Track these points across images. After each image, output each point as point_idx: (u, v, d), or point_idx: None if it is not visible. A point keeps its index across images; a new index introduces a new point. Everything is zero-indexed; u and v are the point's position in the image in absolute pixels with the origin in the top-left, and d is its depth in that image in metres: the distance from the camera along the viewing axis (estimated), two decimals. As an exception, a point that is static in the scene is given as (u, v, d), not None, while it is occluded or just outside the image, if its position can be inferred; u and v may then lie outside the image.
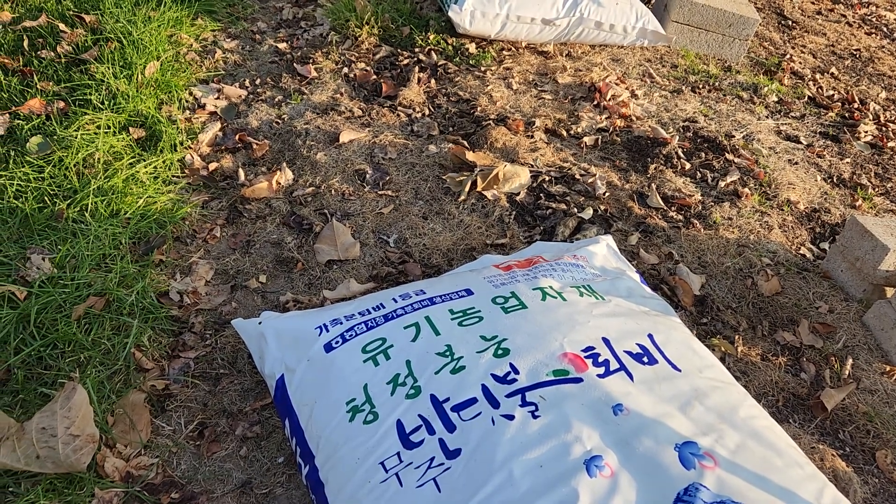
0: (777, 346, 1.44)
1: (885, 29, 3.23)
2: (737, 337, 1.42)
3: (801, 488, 0.94)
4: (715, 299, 1.53)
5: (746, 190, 1.86)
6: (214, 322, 1.39)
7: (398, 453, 0.97)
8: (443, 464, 0.94)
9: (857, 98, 2.48)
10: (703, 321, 1.47)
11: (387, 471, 0.96)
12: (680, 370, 1.10)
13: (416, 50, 2.29)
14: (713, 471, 0.92)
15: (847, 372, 1.37)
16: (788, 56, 2.72)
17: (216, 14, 2.39)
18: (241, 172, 1.74)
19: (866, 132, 2.26)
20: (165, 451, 1.16)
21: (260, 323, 1.23)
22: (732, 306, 1.52)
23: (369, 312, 1.18)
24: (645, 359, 1.10)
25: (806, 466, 0.99)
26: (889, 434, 1.30)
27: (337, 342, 1.14)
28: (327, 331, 1.16)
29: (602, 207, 1.73)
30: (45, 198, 1.55)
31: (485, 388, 1.02)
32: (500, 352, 1.07)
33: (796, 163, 2.05)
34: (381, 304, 1.20)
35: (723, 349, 1.40)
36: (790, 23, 3.09)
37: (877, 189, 2.00)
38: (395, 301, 1.20)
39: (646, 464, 0.92)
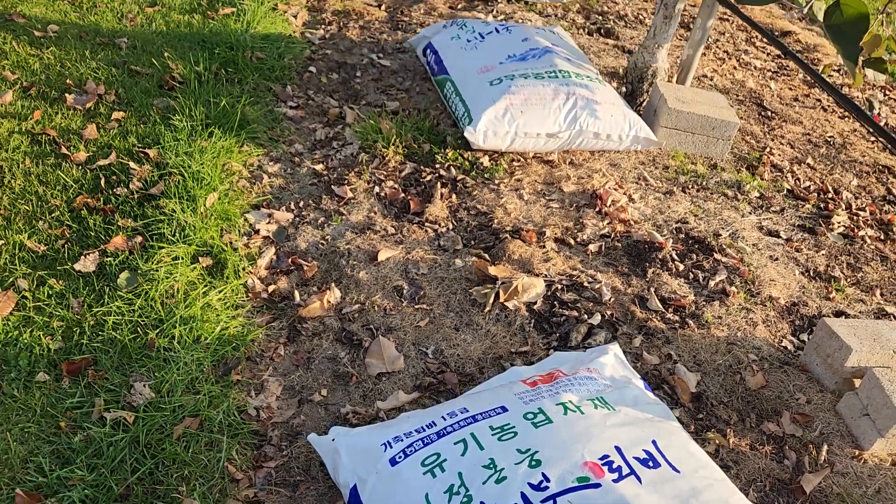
0: (763, 436, 1.70)
1: (864, 100, 3.55)
2: (728, 430, 1.68)
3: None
4: (709, 395, 1.79)
5: (733, 288, 2.14)
6: (288, 434, 1.66)
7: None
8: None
9: (830, 188, 2.78)
10: (700, 416, 1.73)
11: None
12: (679, 472, 1.35)
13: (437, 166, 2.61)
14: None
15: (823, 457, 1.63)
16: (768, 149, 3.02)
17: (258, 139, 2.72)
18: (297, 293, 2.03)
19: (839, 223, 2.54)
20: (262, 552, 1.42)
21: (333, 439, 1.49)
22: (724, 401, 1.79)
23: (424, 430, 1.45)
24: (650, 463, 1.36)
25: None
26: (860, 511, 1.55)
27: (400, 457, 1.40)
28: (391, 447, 1.43)
29: (608, 312, 2.01)
30: (138, 328, 1.84)
31: (523, 495, 1.28)
32: (533, 463, 1.33)
33: (777, 258, 2.33)
34: (433, 422, 1.47)
35: (717, 442, 1.65)
36: (770, 113, 3.42)
37: (848, 280, 2.28)
38: (444, 419, 1.47)
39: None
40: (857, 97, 3.71)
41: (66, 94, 2.74)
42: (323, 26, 3.80)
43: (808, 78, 3.85)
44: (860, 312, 2.14)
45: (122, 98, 2.82)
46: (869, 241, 2.50)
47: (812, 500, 1.56)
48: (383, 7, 4.13)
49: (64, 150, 2.44)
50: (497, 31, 3.15)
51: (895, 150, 1.94)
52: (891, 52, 2.52)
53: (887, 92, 3.58)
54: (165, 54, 3.09)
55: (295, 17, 3.84)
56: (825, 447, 1.65)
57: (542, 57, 2.91)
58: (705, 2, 2.95)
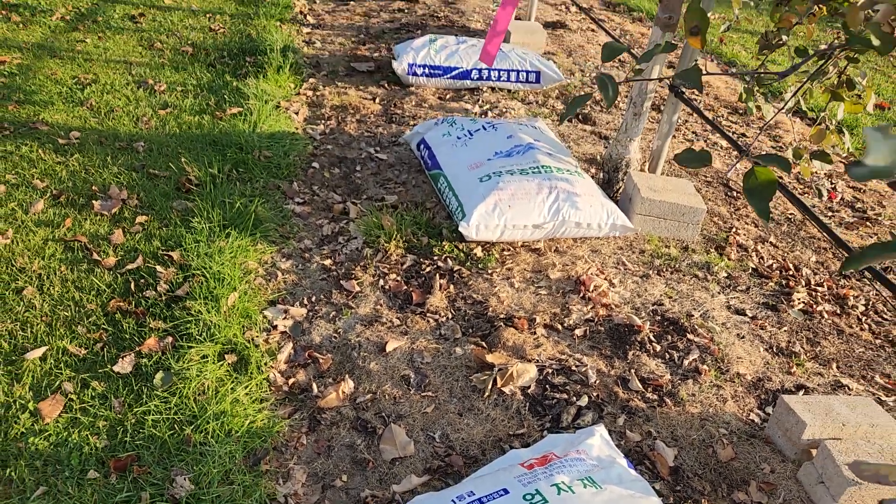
0: (734, 505, 1.93)
1: (814, 187, 3.87)
2: (703, 500, 1.91)
3: None
4: (685, 468, 2.02)
5: (705, 367, 2.39)
6: (314, 518, 1.87)
7: None
8: None
9: (791, 265, 3.06)
10: (678, 488, 1.96)
11: None
12: (658, 543, 1.58)
13: (435, 257, 2.87)
14: None
15: (786, 523, 1.85)
16: (734, 229, 3.32)
17: (270, 236, 2.98)
18: (314, 385, 2.25)
19: (799, 299, 2.82)
20: None
21: (357, 524, 1.71)
22: (699, 473, 2.01)
23: (437, 513, 1.67)
24: (634, 536, 1.58)
25: None
26: (821, 571, 1.76)
27: (417, 538, 1.62)
28: (409, 529, 1.64)
29: (594, 394, 2.24)
30: (175, 425, 2.06)
31: (526, 570, 1.49)
32: (533, 540, 1.55)
33: (743, 336, 2.59)
34: (445, 505, 1.69)
35: (693, 512, 1.88)
36: (735, 193, 3.73)
37: (808, 354, 2.53)
38: (454, 502, 1.69)
39: None
40: (820, 172, 4.03)
41: (93, 201, 3.00)
42: (323, 121, 4.12)
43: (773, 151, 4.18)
44: (818, 385, 2.40)
45: (143, 202, 3.08)
46: (826, 315, 2.77)
47: (778, 562, 1.77)
48: (377, 100, 4.46)
49: (95, 256, 2.69)
50: (484, 128, 3.47)
51: (832, 239, 2.22)
52: (833, 145, 2.84)
53: (833, 179, 3.91)
54: (182, 159, 3.37)
55: (297, 113, 4.15)
56: (788, 513, 1.88)
57: (525, 153, 3.22)
58: (669, 98, 3.29)
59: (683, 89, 3.19)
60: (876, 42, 1.40)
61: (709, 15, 2.42)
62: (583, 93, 4.79)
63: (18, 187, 3.05)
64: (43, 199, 2.98)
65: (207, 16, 5.72)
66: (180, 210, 3.05)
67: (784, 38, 2.73)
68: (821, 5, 2.65)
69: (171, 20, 5.47)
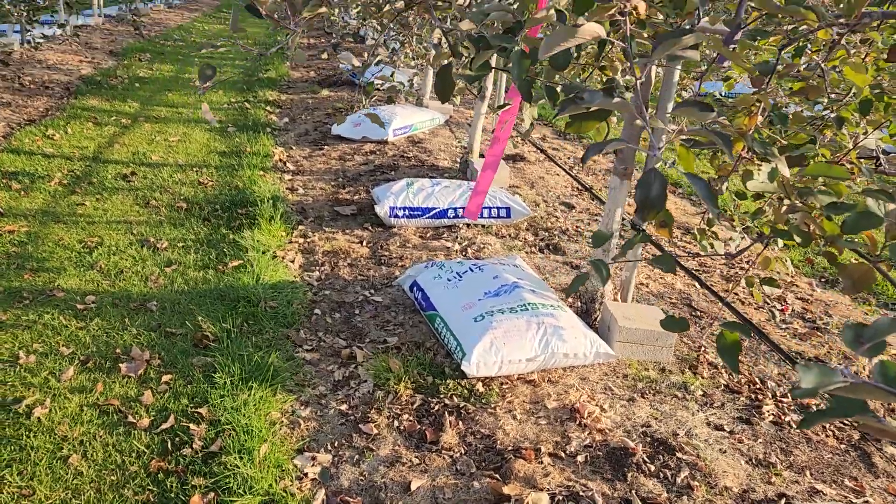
0: None
1: (766, 310, 4.32)
2: None
3: None
4: (693, 581, 2.27)
5: (696, 483, 2.68)
6: None
7: None
8: None
9: (757, 379, 3.43)
10: None
11: None
12: None
13: (441, 396, 3.15)
14: None
15: None
16: (703, 348, 3.70)
17: (287, 385, 3.23)
18: (350, 529, 2.46)
19: (768, 412, 3.16)
20: None
21: None
22: (705, 584, 2.27)
23: None
24: None
25: None
26: None
27: None
28: None
29: (603, 517, 2.50)
30: (230, 579, 2.24)
31: None
32: None
33: (725, 451, 2.90)
34: None
35: None
36: (699, 312, 4.14)
37: (783, 463, 2.85)
38: None
39: None
40: (773, 293, 4.50)
41: (119, 364, 3.24)
42: (317, 268, 4.46)
43: (726, 274, 4.66)
44: (797, 493, 2.70)
45: (164, 360, 3.32)
46: (794, 425, 3.12)
47: None
48: (364, 243, 4.85)
49: (130, 419, 2.90)
50: (471, 269, 3.85)
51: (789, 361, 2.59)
52: (778, 271, 3.28)
53: (783, 301, 4.38)
54: (197, 316, 3.64)
55: (292, 261, 4.49)
56: None
57: (512, 292, 3.59)
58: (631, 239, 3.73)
59: (644, 228, 3.63)
60: (798, 238, 1.82)
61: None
62: (549, 224, 5.27)
63: (47, 356, 3.26)
64: (72, 366, 3.20)
65: (195, 169, 6.13)
66: (201, 366, 3.30)
67: (724, 186, 3.22)
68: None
69: (161, 177, 5.85)
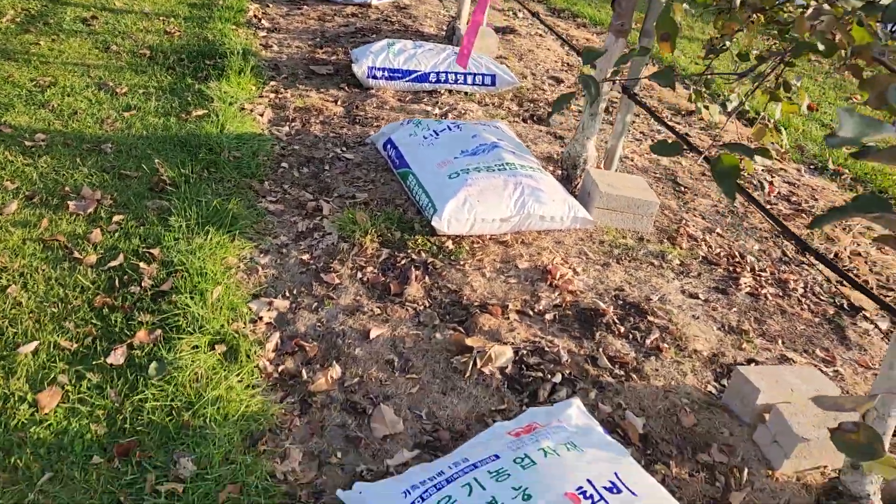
0: (698, 465, 2.12)
1: (754, 182, 4.17)
2: (671, 461, 2.10)
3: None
4: (653, 435, 2.21)
5: (665, 345, 2.59)
6: (314, 493, 1.97)
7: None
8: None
9: (737, 253, 3.31)
10: (648, 452, 2.15)
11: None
12: (636, 495, 1.75)
13: (409, 251, 3.01)
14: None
15: (744, 478, 2.06)
16: (684, 221, 3.56)
17: (246, 233, 3.06)
18: (303, 372, 2.36)
19: (745, 284, 3.06)
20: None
21: (360, 492, 1.83)
22: (665, 438, 2.21)
23: (435, 478, 1.80)
24: (614, 490, 1.75)
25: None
26: (776, 519, 1.97)
27: (418, 501, 1.75)
28: (410, 494, 1.77)
29: (567, 371, 2.42)
30: (173, 411, 2.14)
31: (521, 522, 1.64)
32: (525, 496, 1.70)
33: (698, 317, 2.81)
34: (441, 471, 1.83)
35: (663, 472, 2.06)
36: (682, 188, 3.98)
37: (756, 332, 2.77)
38: (451, 468, 1.83)
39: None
40: (756, 168, 4.33)
41: (67, 201, 3.03)
42: (287, 123, 4.20)
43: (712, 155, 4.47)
44: (767, 359, 2.63)
45: (117, 202, 3.12)
46: (770, 297, 3.02)
47: (739, 512, 1.98)
48: (339, 102, 4.57)
49: (76, 255, 2.73)
50: (449, 128, 3.62)
51: (780, 230, 2.45)
52: (772, 142, 3.10)
53: (773, 174, 4.22)
54: (155, 159, 3.42)
55: (261, 115, 4.23)
56: (746, 470, 2.08)
57: (490, 151, 3.39)
58: (623, 100, 3.51)
59: (635, 91, 3.41)
60: (821, 47, 1.61)
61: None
62: (535, 96, 5.00)
63: (-11, 188, 3.05)
64: (16, 201, 2.99)
65: (161, 19, 5.71)
66: (156, 209, 3.11)
67: (727, 43, 2.98)
68: (758, 14, 2.90)
69: (124, 23, 5.45)
